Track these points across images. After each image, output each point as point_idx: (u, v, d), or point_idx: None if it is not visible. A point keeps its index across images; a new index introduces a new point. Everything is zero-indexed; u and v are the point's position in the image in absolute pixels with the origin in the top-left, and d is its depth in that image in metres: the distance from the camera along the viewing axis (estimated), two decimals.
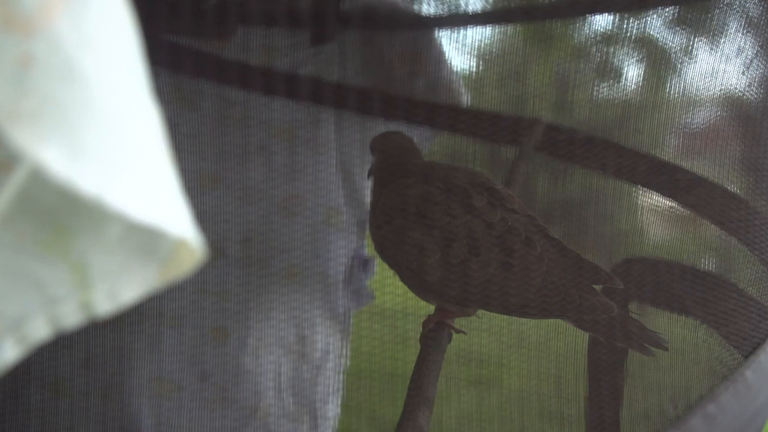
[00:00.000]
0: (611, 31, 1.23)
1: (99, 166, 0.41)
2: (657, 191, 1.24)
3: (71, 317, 0.46)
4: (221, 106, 1.48)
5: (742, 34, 1.01)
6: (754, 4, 1.01)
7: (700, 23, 1.09)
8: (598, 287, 0.88)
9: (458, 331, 0.91)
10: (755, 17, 1.01)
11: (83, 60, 0.42)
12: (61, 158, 0.39)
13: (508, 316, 0.92)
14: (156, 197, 0.45)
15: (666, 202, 1.20)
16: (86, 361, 1.37)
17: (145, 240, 0.45)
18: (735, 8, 1.04)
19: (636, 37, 1.15)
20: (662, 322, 1.22)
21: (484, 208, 0.86)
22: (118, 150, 0.43)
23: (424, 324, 0.91)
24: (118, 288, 0.47)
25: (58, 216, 0.43)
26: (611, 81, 1.28)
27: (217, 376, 1.43)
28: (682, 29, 1.10)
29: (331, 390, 1.46)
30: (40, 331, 0.45)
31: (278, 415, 1.43)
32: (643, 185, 1.30)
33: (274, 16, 1.48)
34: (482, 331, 1.05)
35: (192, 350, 1.43)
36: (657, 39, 1.14)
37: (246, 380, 1.43)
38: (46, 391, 1.33)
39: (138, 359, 1.39)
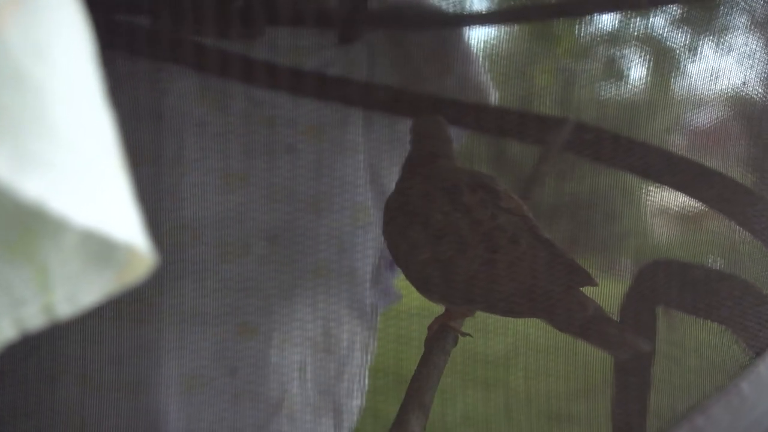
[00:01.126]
0: (617, 29, 1.21)
1: (45, 173, 0.42)
2: (682, 191, 1.21)
3: (35, 319, 0.47)
4: (248, 106, 1.49)
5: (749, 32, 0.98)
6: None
7: (705, 22, 1.06)
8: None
9: (463, 334, 0.91)
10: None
11: (33, 68, 0.42)
12: (4, 164, 0.40)
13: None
14: (106, 205, 0.45)
15: (691, 202, 1.17)
16: (116, 358, 1.40)
17: (101, 246, 0.45)
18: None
19: (642, 36, 1.13)
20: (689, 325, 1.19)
21: (474, 206, 0.86)
22: (68, 158, 0.43)
23: (430, 326, 0.91)
24: (78, 292, 0.48)
25: (24, 219, 0.44)
26: (617, 80, 1.26)
27: (244, 371, 1.45)
28: (687, 28, 1.08)
29: (355, 386, 1.46)
30: (5, 332, 0.46)
31: (302, 410, 1.45)
32: (670, 185, 1.27)
33: (301, 15, 1.49)
34: (488, 332, 1.04)
35: (219, 346, 1.45)
36: (663, 37, 1.11)
37: (273, 375, 1.45)
38: (77, 386, 1.37)
39: (166, 355, 1.42)
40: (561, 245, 0.86)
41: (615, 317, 0.78)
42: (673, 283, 1.18)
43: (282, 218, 1.49)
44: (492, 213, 0.85)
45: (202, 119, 1.47)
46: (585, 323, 0.77)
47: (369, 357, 1.49)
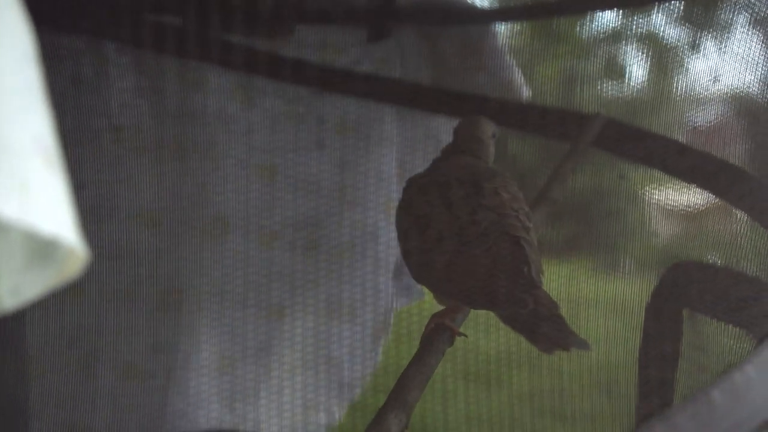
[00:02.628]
0: (618, 27, 1.19)
1: None
2: (711, 191, 1.17)
3: None
4: (279, 103, 1.52)
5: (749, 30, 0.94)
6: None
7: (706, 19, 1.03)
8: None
9: (459, 334, 0.90)
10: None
11: None
12: None
13: None
14: (42, 204, 0.46)
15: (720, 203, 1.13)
16: (153, 345, 1.46)
17: (43, 243, 0.47)
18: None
19: (643, 34, 1.10)
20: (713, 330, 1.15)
21: (457, 201, 0.88)
22: (2, 156, 0.45)
23: (427, 324, 0.91)
24: (22, 285, 0.50)
25: None
26: (619, 77, 1.23)
27: (276, 349, 1.53)
28: (687, 25, 1.05)
29: (363, 368, 1.51)
30: None
31: (315, 383, 1.51)
32: (700, 185, 1.23)
33: (330, 13, 1.50)
34: (489, 326, 1.03)
35: (250, 327, 1.52)
36: (663, 35, 1.08)
37: (297, 353, 1.50)
38: (116, 373, 1.42)
39: (200, 339, 1.49)
40: (535, 244, 0.86)
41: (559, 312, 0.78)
42: (697, 285, 1.15)
43: (310, 208, 1.53)
44: (472, 208, 0.87)
45: (234, 115, 1.51)
46: (520, 318, 0.78)
47: (382, 341, 1.52)
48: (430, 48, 1.54)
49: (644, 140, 1.32)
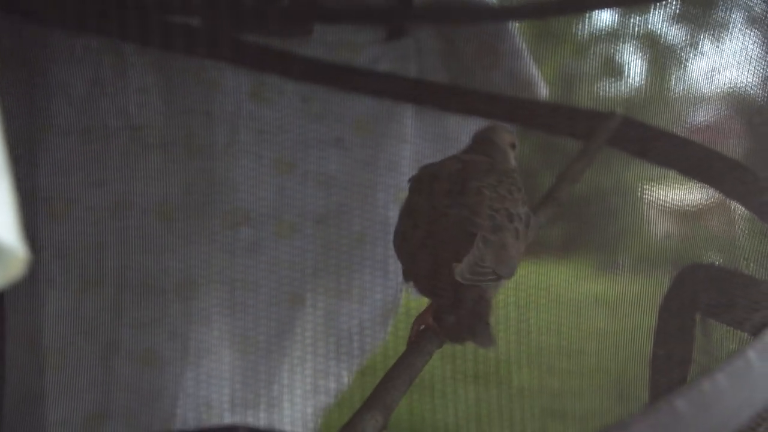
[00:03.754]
0: (615, 27, 1.17)
1: None
2: (728, 194, 1.13)
3: None
4: (297, 101, 1.53)
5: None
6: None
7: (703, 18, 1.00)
8: None
9: (442, 336, 0.89)
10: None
11: None
12: None
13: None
14: None
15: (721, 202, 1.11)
16: (170, 334, 1.50)
17: None
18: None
19: (641, 33, 1.07)
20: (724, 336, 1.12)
21: (440, 194, 0.90)
22: None
23: (412, 327, 0.90)
24: None
25: None
26: (615, 76, 1.21)
27: (289, 330, 1.58)
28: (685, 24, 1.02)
29: (373, 340, 1.57)
30: None
31: (326, 355, 1.57)
32: (717, 188, 1.19)
33: (347, 12, 1.51)
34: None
35: (267, 310, 1.57)
36: (661, 35, 1.06)
37: (311, 330, 1.58)
38: (135, 362, 1.46)
39: (217, 326, 1.53)
40: (509, 244, 0.85)
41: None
42: (708, 289, 1.12)
43: (328, 201, 1.56)
44: (449, 203, 0.89)
45: (254, 113, 1.53)
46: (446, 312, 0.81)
47: (391, 317, 1.57)
48: (447, 47, 1.53)
49: (660, 140, 1.29)
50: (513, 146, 1.12)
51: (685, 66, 1.26)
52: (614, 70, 1.37)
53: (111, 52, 1.37)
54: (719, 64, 1.00)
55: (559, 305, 1.15)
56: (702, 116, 1.13)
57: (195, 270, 1.48)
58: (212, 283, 1.52)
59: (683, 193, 1.18)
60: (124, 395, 1.44)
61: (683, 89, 1.16)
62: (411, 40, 1.54)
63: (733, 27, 0.99)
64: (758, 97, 0.98)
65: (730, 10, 1.02)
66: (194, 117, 1.48)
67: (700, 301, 1.15)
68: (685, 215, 1.19)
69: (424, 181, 0.95)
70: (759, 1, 0.92)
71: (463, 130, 1.51)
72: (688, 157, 1.25)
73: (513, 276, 0.91)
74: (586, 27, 1.35)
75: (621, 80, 1.36)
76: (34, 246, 1.32)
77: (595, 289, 1.22)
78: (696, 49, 1.19)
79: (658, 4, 1.28)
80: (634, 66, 1.32)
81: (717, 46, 1.05)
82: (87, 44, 1.34)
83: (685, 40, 1.22)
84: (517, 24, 1.47)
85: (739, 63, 0.95)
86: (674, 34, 1.24)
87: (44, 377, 1.34)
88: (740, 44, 0.95)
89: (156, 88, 1.43)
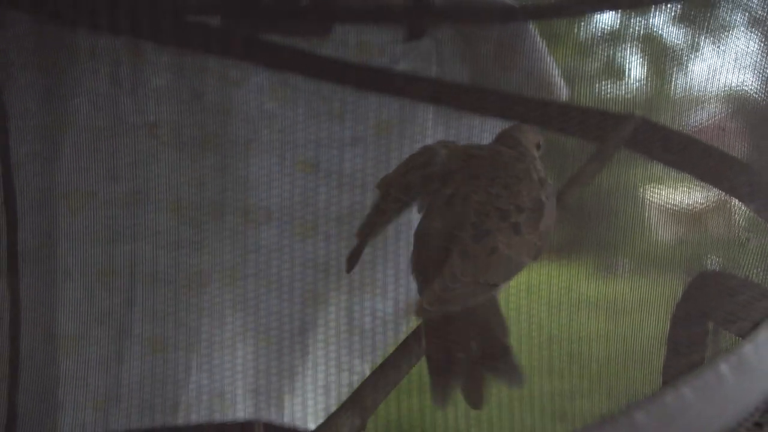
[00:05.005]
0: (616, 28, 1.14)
1: None
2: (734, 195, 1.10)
3: None
4: (316, 101, 1.54)
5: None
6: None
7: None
8: None
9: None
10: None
11: None
12: None
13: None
14: None
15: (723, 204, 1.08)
16: (185, 328, 1.52)
17: None
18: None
19: (641, 35, 1.05)
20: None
21: (430, 177, 0.93)
22: None
23: None
24: None
25: None
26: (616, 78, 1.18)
27: (310, 328, 1.59)
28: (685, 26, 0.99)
29: (395, 332, 1.58)
30: None
31: (349, 353, 1.58)
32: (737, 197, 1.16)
33: (367, 12, 1.51)
34: None
35: (288, 311, 1.57)
36: (661, 36, 1.03)
37: (333, 328, 1.59)
38: (146, 349, 1.49)
39: (237, 323, 1.55)
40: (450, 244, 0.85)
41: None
42: (720, 297, 1.09)
43: (348, 201, 1.56)
44: (434, 189, 0.91)
45: (272, 112, 1.55)
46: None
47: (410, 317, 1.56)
48: (467, 47, 1.52)
49: (679, 143, 1.26)
50: (538, 146, 1.10)
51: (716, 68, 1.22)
52: (634, 71, 1.34)
53: (130, 51, 1.40)
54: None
55: (559, 307, 1.13)
56: (727, 121, 1.10)
57: (210, 266, 1.50)
58: (227, 278, 1.54)
59: (696, 197, 1.16)
60: (137, 383, 1.48)
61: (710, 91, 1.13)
62: (431, 40, 1.53)
63: None
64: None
65: None
66: (212, 115, 1.50)
67: (711, 310, 1.12)
68: (698, 219, 1.16)
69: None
70: None
71: (481, 129, 1.50)
72: (707, 164, 1.22)
73: (514, 275, 0.89)
74: (606, 27, 1.32)
75: (639, 82, 1.33)
76: (50, 239, 1.36)
77: (590, 290, 1.21)
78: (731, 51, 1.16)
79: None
80: (655, 67, 1.29)
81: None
82: (107, 44, 1.37)
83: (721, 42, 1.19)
84: (536, 24, 1.45)
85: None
86: (702, 35, 1.21)
87: (59, 364, 1.38)
88: None
89: (174, 87, 1.45)
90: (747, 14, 0.92)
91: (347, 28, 1.53)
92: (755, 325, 0.89)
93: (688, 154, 1.17)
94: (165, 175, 1.44)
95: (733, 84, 0.99)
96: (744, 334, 1.03)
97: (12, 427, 1.25)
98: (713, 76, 1.02)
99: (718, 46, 1.00)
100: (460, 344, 0.76)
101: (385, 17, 1.52)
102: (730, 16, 0.97)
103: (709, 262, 1.18)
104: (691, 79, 1.11)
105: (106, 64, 1.39)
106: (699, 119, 1.13)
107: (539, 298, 1.10)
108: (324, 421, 0.76)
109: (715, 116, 1.09)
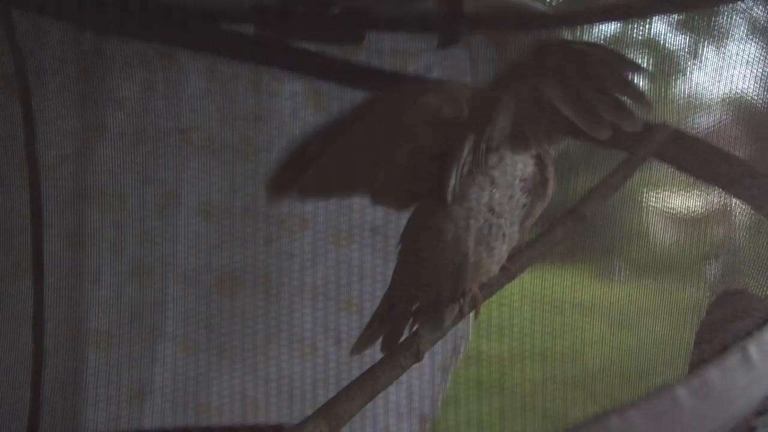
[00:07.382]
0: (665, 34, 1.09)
1: None
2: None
3: None
4: (346, 106, 1.55)
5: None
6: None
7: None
8: None
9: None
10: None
11: None
12: None
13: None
14: None
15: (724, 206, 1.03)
16: (214, 326, 1.55)
17: None
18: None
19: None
20: None
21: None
22: None
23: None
24: None
25: None
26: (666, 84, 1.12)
27: (348, 342, 1.59)
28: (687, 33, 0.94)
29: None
30: None
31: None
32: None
33: (399, 19, 1.50)
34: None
35: (327, 318, 1.60)
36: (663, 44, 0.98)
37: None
38: (176, 346, 1.52)
39: (272, 324, 1.57)
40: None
41: None
42: (741, 318, 1.03)
43: (383, 211, 1.57)
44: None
45: (309, 120, 1.56)
46: None
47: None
48: (500, 54, 1.50)
49: (710, 154, 1.21)
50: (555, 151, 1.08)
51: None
52: (665, 77, 1.29)
53: (165, 58, 1.44)
54: None
55: (561, 311, 1.11)
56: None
57: (241, 272, 1.53)
58: (260, 285, 1.56)
59: (676, 198, 1.12)
60: (170, 381, 1.51)
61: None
62: (464, 48, 1.52)
63: None
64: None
65: None
66: (247, 122, 1.52)
67: (734, 330, 1.07)
68: (678, 219, 1.12)
69: None
70: None
71: None
72: (737, 178, 1.17)
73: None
74: (635, 34, 1.28)
75: (671, 89, 1.28)
76: (78, 238, 1.41)
77: (593, 294, 1.18)
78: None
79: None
80: (686, 75, 1.24)
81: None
82: (141, 51, 1.42)
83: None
84: (569, 31, 1.41)
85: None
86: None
87: (87, 361, 1.42)
88: None
89: (209, 93, 1.48)
90: None
91: (380, 35, 1.53)
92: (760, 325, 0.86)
93: (714, 165, 1.11)
94: (195, 181, 1.47)
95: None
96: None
97: (35, 420, 1.30)
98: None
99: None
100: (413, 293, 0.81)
101: (419, 24, 1.51)
102: None
103: (716, 269, 1.13)
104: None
105: (140, 71, 1.43)
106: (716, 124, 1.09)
107: (542, 304, 1.08)
108: (292, 428, 0.75)
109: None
